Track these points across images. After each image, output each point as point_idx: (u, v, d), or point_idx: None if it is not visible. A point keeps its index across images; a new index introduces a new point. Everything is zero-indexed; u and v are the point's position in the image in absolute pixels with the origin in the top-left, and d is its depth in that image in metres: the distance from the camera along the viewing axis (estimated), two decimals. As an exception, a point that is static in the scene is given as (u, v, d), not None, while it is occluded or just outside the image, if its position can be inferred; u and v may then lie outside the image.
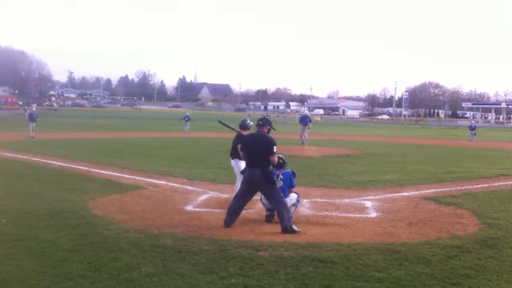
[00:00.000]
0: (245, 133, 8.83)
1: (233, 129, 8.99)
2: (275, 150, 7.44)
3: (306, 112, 25.10)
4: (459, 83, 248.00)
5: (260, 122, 7.76)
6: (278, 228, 7.30)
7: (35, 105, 44.29)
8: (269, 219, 7.87)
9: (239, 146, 8.32)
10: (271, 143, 7.43)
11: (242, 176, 7.96)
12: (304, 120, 24.95)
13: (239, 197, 7.67)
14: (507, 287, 5.08)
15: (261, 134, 7.65)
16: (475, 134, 34.38)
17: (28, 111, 29.14)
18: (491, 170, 15.63)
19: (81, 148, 21.07)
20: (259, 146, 7.45)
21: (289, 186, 8.04)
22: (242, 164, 8.79)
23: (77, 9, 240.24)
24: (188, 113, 42.34)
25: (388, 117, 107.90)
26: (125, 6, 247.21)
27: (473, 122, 39.31)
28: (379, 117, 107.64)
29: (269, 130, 7.84)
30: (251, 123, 8.89)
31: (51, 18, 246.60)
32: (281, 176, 7.84)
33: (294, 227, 7.19)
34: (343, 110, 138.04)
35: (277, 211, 7.31)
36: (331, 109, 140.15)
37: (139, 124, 50.85)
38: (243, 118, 9.05)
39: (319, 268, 5.46)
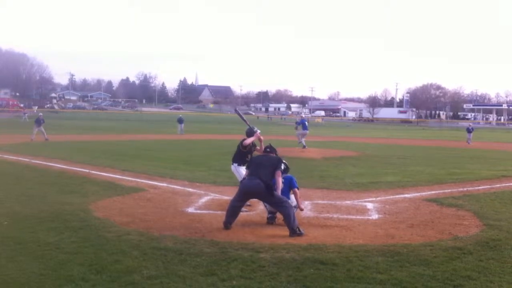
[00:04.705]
0: (250, 139, 8.96)
1: (245, 121, 9.21)
2: (282, 167, 7.84)
3: (302, 115, 25.50)
4: (460, 84, 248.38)
5: (268, 150, 8.27)
6: (279, 230, 7.31)
7: (36, 107, 44.41)
8: (270, 221, 7.87)
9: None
10: (280, 160, 7.91)
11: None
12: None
13: (236, 201, 7.68)
14: (509, 289, 5.08)
15: (270, 155, 8.14)
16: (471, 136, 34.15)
17: (39, 115, 29.71)
18: (493, 172, 15.61)
19: (82, 151, 21.07)
20: (266, 161, 7.78)
21: (290, 187, 8.04)
22: (242, 170, 8.84)
23: (78, 12, 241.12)
24: (180, 115, 42.12)
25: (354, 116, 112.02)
26: (125, 8, 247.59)
27: (470, 124, 39.01)
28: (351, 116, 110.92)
29: None
30: (259, 130, 9.18)
31: (52, 21, 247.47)
32: (282, 180, 7.85)
33: (301, 229, 7.20)
34: (344, 112, 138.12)
35: (283, 215, 7.30)
36: (332, 110, 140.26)
37: (140, 126, 50.87)
38: (250, 126, 9.20)
39: (321, 270, 5.45)
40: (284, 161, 8.28)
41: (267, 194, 7.36)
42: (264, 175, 7.42)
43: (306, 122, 25.30)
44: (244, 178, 7.77)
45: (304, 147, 23.70)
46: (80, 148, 22.86)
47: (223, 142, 28.08)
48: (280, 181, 7.63)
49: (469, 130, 34.57)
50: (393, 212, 8.98)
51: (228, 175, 11.93)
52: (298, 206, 7.94)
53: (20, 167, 15.00)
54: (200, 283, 5.01)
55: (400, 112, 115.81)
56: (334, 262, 5.72)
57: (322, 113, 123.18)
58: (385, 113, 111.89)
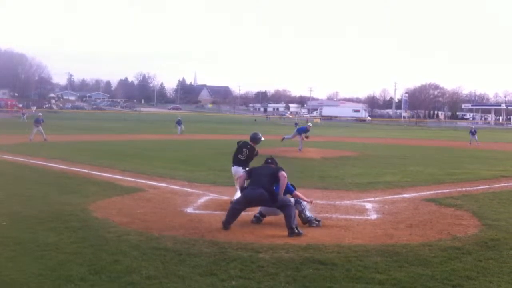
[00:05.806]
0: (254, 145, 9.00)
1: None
2: (284, 172, 7.86)
3: (309, 124, 26.20)
4: (458, 84, 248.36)
5: (269, 161, 8.27)
6: (278, 230, 7.32)
7: (35, 107, 44.36)
8: (255, 220, 7.89)
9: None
10: (280, 167, 7.94)
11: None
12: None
13: (238, 204, 7.72)
14: (507, 289, 5.09)
15: (270, 166, 8.14)
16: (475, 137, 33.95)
17: (39, 115, 29.86)
18: (491, 172, 15.64)
19: (81, 151, 21.05)
20: (267, 170, 7.86)
21: (286, 192, 8.03)
22: (242, 170, 8.84)
23: (77, 12, 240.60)
24: (179, 117, 42.09)
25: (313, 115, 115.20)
26: (125, 8, 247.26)
27: (472, 126, 39.01)
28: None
29: None
30: (263, 138, 9.25)
31: (51, 21, 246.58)
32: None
33: (300, 229, 7.23)
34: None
35: (285, 215, 7.33)
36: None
37: (139, 127, 50.84)
38: (255, 132, 9.22)
39: (320, 270, 5.46)
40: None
41: (270, 201, 7.47)
42: (266, 183, 7.54)
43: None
44: (245, 188, 7.78)
45: (298, 145, 23.83)
46: (79, 148, 22.84)
47: (222, 142, 28.10)
48: (285, 181, 7.66)
49: (472, 132, 34.18)
50: (392, 212, 8.99)
51: (227, 175, 11.93)
52: (307, 202, 7.99)
53: (20, 167, 15.00)
54: (199, 283, 5.02)
55: (355, 111, 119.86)
56: (333, 262, 5.73)
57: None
58: (338, 111, 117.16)
